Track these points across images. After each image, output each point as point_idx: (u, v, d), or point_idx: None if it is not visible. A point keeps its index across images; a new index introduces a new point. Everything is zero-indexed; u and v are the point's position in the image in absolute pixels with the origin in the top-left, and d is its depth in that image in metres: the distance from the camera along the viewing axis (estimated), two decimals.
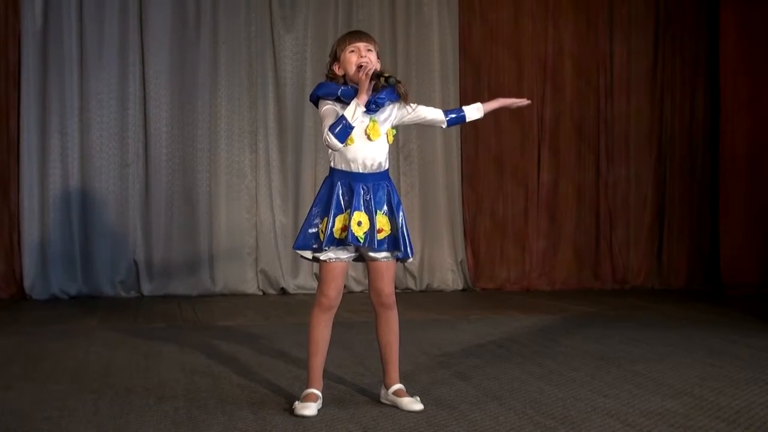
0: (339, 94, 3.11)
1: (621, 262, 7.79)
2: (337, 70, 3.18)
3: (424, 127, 7.01)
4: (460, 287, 7.49)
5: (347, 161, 3.13)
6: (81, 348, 4.45)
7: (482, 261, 7.64)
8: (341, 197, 3.12)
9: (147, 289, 6.89)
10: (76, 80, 6.81)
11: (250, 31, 7.16)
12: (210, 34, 7.07)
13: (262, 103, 7.18)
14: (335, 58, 3.19)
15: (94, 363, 4.05)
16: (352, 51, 3.13)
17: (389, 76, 3.07)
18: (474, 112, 3.36)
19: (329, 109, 3.12)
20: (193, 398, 3.32)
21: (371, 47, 3.15)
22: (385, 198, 3.16)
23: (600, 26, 7.79)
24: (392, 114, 3.22)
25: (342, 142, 3.06)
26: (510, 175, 7.66)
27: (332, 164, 3.18)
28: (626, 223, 7.85)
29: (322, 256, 3.15)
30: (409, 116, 3.26)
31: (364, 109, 3.08)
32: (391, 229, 3.15)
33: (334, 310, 3.22)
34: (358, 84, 3.08)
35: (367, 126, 3.12)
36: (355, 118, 3.04)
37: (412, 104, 3.25)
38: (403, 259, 3.23)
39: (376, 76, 3.07)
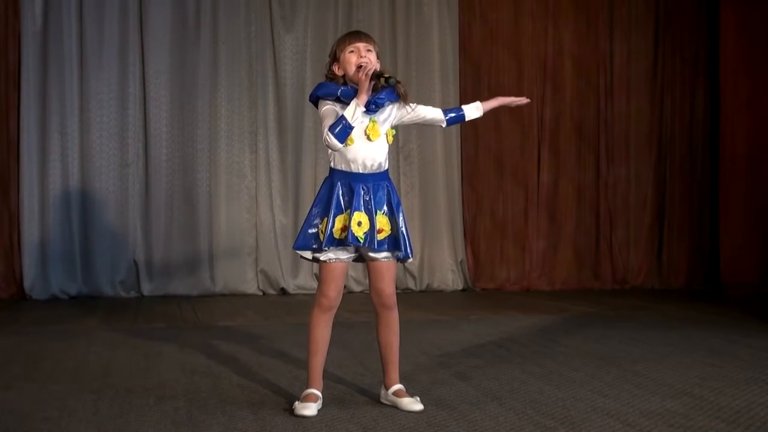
0: (339, 94, 3.11)
1: (621, 262, 7.79)
2: (337, 71, 3.18)
3: (423, 127, 7.02)
4: (460, 287, 7.49)
5: (347, 161, 3.13)
6: (81, 348, 4.45)
7: (482, 261, 7.64)
8: (341, 197, 3.12)
9: (147, 289, 6.89)
10: (76, 80, 6.81)
11: (250, 31, 7.16)
12: (210, 34, 7.07)
13: (262, 103, 7.18)
14: (335, 58, 3.19)
15: (94, 363, 4.05)
16: (352, 51, 3.13)
17: (389, 77, 3.07)
18: (473, 111, 3.37)
19: (329, 109, 3.12)
20: (193, 398, 3.32)
21: (371, 47, 3.15)
22: (385, 198, 3.16)
23: (600, 26, 7.79)
24: (392, 114, 3.22)
25: (342, 143, 3.06)
26: (510, 175, 7.66)
27: (332, 164, 3.18)
28: (626, 223, 7.85)
29: (322, 257, 3.15)
30: (408, 116, 3.26)
31: (364, 110, 3.08)
32: (391, 230, 3.15)
33: (334, 311, 3.22)
34: (357, 84, 3.08)
35: (367, 126, 3.12)
36: (354, 118, 3.04)
37: (411, 104, 3.25)
38: (403, 260, 3.23)
39: (376, 76, 3.08)
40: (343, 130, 3.04)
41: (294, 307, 6.31)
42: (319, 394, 3.16)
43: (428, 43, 7.50)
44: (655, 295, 7.28)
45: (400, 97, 3.17)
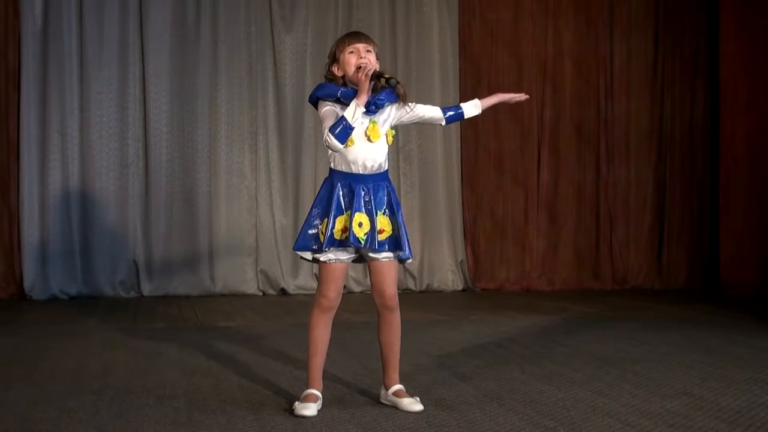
0: (339, 95, 3.11)
1: (621, 262, 7.79)
2: (337, 71, 3.17)
3: (423, 127, 7.06)
4: (460, 287, 7.49)
5: (347, 162, 3.13)
6: (81, 348, 4.45)
7: (482, 261, 7.64)
8: (341, 198, 3.12)
9: (147, 289, 6.89)
10: (76, 80, 6.81)
11: (250, 31, 7.16)
12: (210, 34, 7.07)
13: (262, 103, 7.18)
14: (334, 59, 3.18)
15: (94, 363, 4.04)
16: (351, 52, 3.13)
17: (390, 77, 3.07)
18: (472, 108, 3.36)
19: (329, 110, 3.12)
20: (193, 398, 3.32)
21: (370, 48, 3.15)
22: (385, 199, 3.16)
23: (600, 26, 7.80)
24: (391, 114, 3.21)
25: (342, 143, 3.06)
26: (510, 175, 7.67)
27: (332, 165, 3.17)
28: (626, 223, 7.85)
29: (322, 257, 3.15)
30: (407, 116, 3.26)
31: (364, 110, 3.08)
32: (392, 230, 3.15)
33: (334, 311, 3.21)
34: (357, 85, 3.08)
35: (367, 127, 3.12)
36: (355, 118, 3.04)
37: (410, 103, 3.24)
38: (403, 260, 3.23)
39: (376, 76, 3.07)
40: (344, 131, 3.04)
41: (294, 308, 6.31)
42: (319, 394, 3.16)
43: (428, 43, 7.50)
44: (655, 295, 7.28)
45: (399, 98, 3.17)
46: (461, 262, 7.54)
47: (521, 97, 3.44)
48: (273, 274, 7.12)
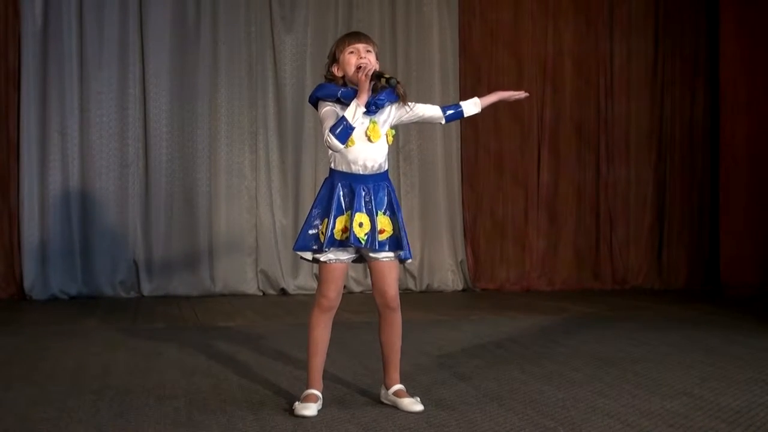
0: (339, 95, 3.11)
1: (621, 262, 7.79)
2: (336, 72, 3.17)
3: (424, 127, 7.06)
4: (460, 287, 7.49)
5: (348, 163, 3.13)
6: (81, 348, 4.45)
7: (482, 261, 7.64)
8: (342, 198, 3.12)
9: (147, 289, 6.89)
10: (76, 80, 6.81)
11: (250, 32, 7.16)
12: (210, 34, 7.07)
13: (262, 103, 7.18)
14: (334, 59, 3.18)
15: (94, 363, 4.04)
16: (351, 52, 3.13)
17: (390, 77, 3.07)
18: (471, 107, 3.36)
19: (329, 110, 3.12)
20: (193, 398, 3.32)
21: (370, 48, 3.15)
22: (386, 199, 3.16)
23: (600, 26, 7.79)
24: (391, 114, 3.21)
25: (343, 143, 3.06)
26: (510, 175, 7.67)
27: (332, 165, 3.17)
28: (626, 223, 7.85)
29: (322, 258, 3.15)
30: (407, 115, 3.26)
31: (365, 110, 3.08)
32: (393, 230, 3.15)
33: (334, 311, 3.22)
34: (357, 85, 3.08)
35: (368, 128, 3.12)
36: (355, 118, 3.04)
37: (410, 103, 3.24)
38: (403, 260, 3.23)
39: (376, 76, 3.08)
40: (344, 131, 3.04)
41: (294, 308, 6.31)
42: (319, 394, 3.16)
43: (428, 43, 7.50)
44: (655, 295, 7.28)
45: (399, 98, 3.17)
46: (461, 262, 7.54)
47: (521, 95, 3.43)
48: (273, 274, 7.12)
